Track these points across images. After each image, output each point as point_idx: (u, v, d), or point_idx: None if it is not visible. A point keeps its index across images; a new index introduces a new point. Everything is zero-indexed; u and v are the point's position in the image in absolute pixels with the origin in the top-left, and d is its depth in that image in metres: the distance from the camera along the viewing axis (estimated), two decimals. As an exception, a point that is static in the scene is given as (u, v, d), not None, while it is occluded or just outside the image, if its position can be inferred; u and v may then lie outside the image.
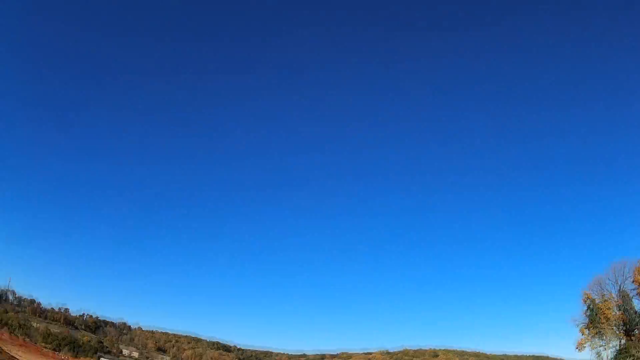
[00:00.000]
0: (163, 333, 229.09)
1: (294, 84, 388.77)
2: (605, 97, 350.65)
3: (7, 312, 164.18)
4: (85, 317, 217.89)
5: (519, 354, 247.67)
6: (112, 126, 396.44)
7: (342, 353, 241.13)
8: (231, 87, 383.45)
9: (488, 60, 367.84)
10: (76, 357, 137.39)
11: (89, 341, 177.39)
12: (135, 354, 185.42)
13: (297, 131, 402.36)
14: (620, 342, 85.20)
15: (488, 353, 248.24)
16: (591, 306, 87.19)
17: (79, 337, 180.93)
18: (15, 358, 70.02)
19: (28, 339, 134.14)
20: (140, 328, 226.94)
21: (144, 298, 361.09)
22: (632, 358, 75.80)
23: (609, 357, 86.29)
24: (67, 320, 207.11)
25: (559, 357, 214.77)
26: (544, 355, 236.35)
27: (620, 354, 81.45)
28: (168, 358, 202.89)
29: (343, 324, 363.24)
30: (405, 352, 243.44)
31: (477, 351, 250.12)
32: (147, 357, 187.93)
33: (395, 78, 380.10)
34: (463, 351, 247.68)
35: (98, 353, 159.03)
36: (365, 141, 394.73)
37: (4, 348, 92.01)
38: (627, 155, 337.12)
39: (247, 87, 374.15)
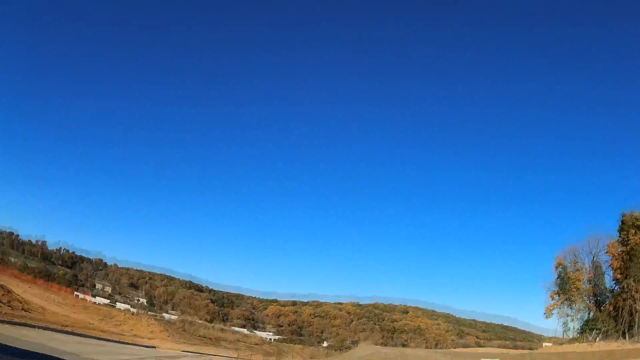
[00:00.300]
0: (137, 270, 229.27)
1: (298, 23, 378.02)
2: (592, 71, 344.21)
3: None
4: (62, 251, 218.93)
5: (487, 321, 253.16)
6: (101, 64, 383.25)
7: (314, 301, 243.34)
8: (236, 26, 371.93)
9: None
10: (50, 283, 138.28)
11: (65, 275, 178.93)
12: (109, 289, 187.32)
13: (297, 79, 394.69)
14: (589, 314, 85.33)
15: (457, 316, 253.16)
16: (562, 273, 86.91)
17: (55, 271, 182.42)
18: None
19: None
20: (115, 265, 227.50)
21: (123, 231, 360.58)
22: (598, 331, 75.93)
23: (575, 328, 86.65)
24: (44, 254, 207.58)
25: (526, 329, 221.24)
26: (512, 325, 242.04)
27: (587, 324, 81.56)
28: (141, 294, 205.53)
29: (315, 271, 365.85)
30: (375, 306, 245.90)
31: (447, 312, 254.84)
32: (120, 293, 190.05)
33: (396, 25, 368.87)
34: (433, 311, 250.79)
35: (72, 286, 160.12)
36: (364, 98, 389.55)
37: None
38: (609, 125, 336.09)
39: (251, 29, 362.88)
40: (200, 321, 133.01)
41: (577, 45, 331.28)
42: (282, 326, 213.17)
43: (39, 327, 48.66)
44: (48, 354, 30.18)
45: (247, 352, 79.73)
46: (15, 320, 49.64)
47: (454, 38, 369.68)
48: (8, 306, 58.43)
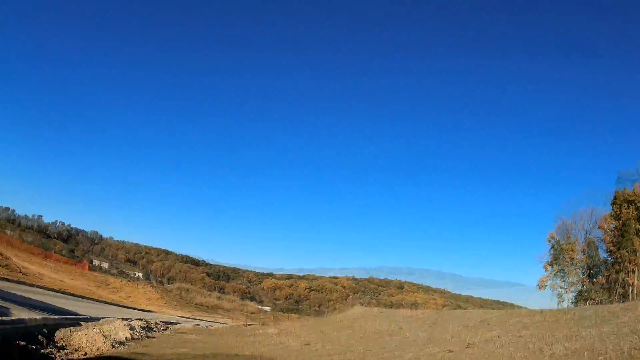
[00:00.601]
0: (134, 244, 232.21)
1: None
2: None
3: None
4: (58, 224, 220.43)
5: (484, 297, 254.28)
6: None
7: (309, 274, 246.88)
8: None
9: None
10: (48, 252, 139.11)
11: (61, 250, 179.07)
12: (105, 265, 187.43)
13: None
14: (582, 286, 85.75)
15: (453, 292, 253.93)
16: (555, 246, 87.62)
17: (51, 245, 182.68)
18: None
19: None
20: (111, 238, 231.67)
21: (119, 212, 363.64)
22: (592, 302, 76.00)
23: (570, 300, 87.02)
24: (41, 228, 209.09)
25: (524, 306, 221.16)
26: (509, 301, 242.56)
27: (580, 295, 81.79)
28: (138, 269, 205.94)
29: (319, 244, 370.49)
30: (370, 280, 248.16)
31: (443, 289, 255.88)
32: (117, 268, 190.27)
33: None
34: (429, 287, 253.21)
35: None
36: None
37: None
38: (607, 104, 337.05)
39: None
40: (197, 289, 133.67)
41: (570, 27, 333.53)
42: (278, 300, 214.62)
43: (37, 287, 49.24)
44: (52, 306, 30.83)
45: (243, 319, 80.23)
46: (14, 279, 50.14)
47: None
48: (6, 268, 58.98)
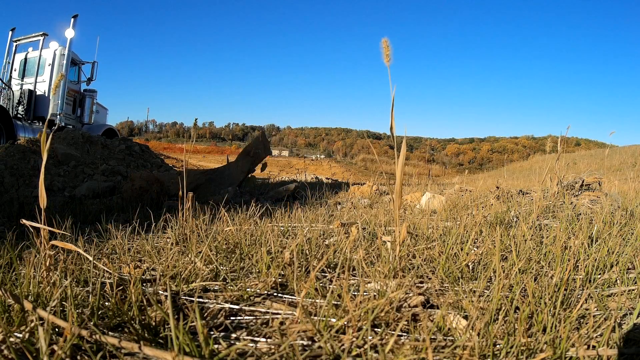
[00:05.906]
0: (313, 128, 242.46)
1: None
2: None
3: (148, 141, 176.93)
4: (231, 126, 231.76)
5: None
6: None
7: (490, 136, 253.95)
8: None
9: None
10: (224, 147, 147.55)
11: (237, 149, 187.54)
12: (286, 153, 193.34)
13: None
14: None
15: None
16: None
17: (227, 146, 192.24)
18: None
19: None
20: (289, 127, 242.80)
21: (293, 102, 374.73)
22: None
23: None
24: (213, 133, 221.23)
25: None
26: None
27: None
28: (318, 151, 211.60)
29: (493, 111, 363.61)
30: (549, 139, 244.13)
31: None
32: (297, 154, 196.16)
33: None
34: (603, 143, 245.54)
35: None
36: None
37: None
38: None
39: None
40: (381, 159, 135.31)
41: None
42: (462, 164, 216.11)
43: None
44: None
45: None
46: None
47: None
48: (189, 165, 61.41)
